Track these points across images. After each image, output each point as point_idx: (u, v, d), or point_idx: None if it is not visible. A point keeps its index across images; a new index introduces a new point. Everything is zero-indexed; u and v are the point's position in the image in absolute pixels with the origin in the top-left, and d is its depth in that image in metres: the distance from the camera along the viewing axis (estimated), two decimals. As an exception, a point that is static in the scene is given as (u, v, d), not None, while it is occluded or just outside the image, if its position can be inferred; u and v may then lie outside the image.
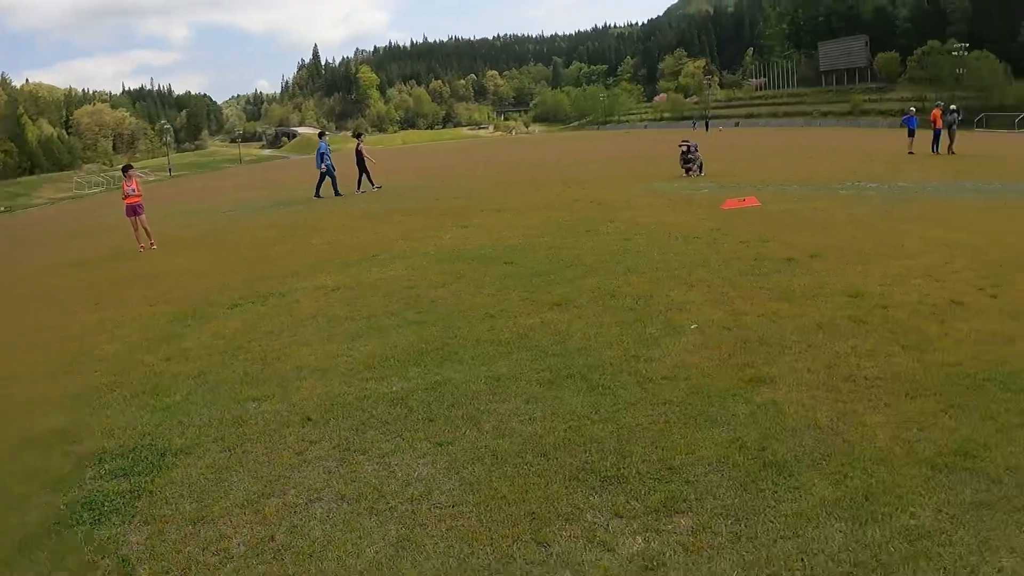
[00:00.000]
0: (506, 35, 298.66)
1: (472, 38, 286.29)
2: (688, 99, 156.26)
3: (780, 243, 10.88)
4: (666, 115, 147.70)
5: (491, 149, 74.49)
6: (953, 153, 30.40)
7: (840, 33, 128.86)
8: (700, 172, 22.48)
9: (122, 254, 18.18)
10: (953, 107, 32.59)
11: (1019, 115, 79.16)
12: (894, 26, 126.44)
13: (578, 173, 28.60)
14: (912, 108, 33.57)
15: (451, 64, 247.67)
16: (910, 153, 30.73)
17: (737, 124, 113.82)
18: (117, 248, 19.53)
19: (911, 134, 31.90)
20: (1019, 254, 9.31)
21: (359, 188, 27.89)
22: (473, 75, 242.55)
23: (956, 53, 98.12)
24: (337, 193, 26.70)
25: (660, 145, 44.95)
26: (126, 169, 20.71)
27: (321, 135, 30.29)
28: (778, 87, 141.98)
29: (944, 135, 31.08)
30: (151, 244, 18.78)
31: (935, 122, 31.38)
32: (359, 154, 28.20)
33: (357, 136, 31.09)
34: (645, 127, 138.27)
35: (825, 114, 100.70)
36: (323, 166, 26.86)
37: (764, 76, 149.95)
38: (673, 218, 14.31)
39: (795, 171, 23.26)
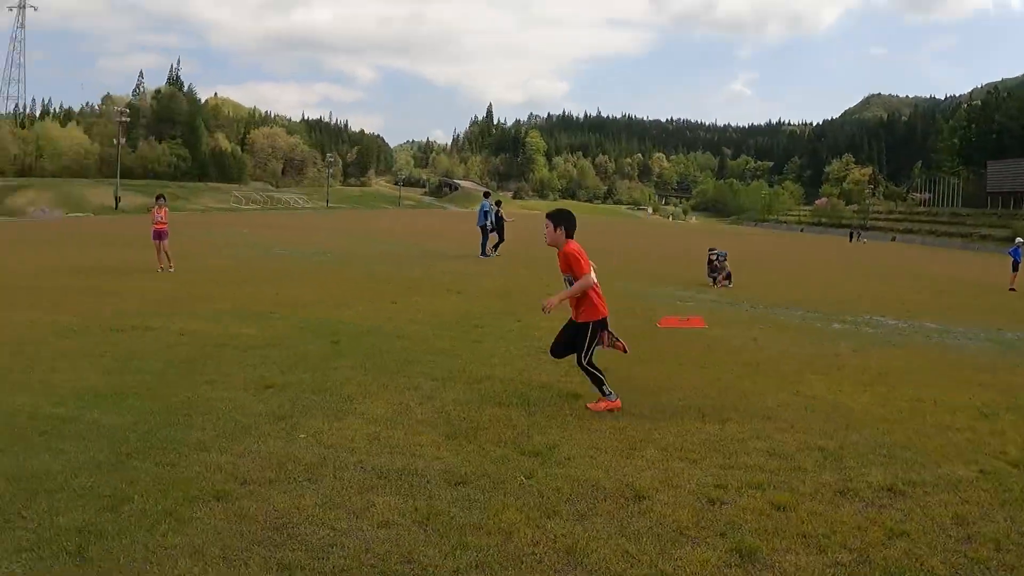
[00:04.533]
0: (678, 119, 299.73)
1: (645, 118, 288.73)
2: (849, 206, 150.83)
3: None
4: (823, 220, 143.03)
5: (640, 234, 72.89)
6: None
7: (1012, 153, 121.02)
8: (728, 283, 20.34)
9: (133, 269, 19.71)
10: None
11: None
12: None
13: (645, 264, 26.71)
14: (1020, 239, 29.80)
15: (619, 140, 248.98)
16: (1011, 290, 27.24)
17: (893, 239, 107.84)
18: (136, 263, 20.79)
19: (1015, 267, 28.27)
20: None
21: (495, 250, 28.13)
22: (639, 154, 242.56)
23: None
24: (483, 254, 27.18)
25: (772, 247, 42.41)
26: (159, 198, 21.57)
27: (486, 195, 31.11)
28: (942, 204, 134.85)
29: None
30: (170, 266, 19.70)
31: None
32: (499, 218, 28.81)
33: (497, 203, 31.18)
34: (802, 230, 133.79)
35: (984, 237, 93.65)
36: (486, 224, 27.67)
37: (929, 191, 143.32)
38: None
39: (835, 295, 20.80)
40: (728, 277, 20.75)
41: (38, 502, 4.75)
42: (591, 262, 7.24)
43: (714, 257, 21.02)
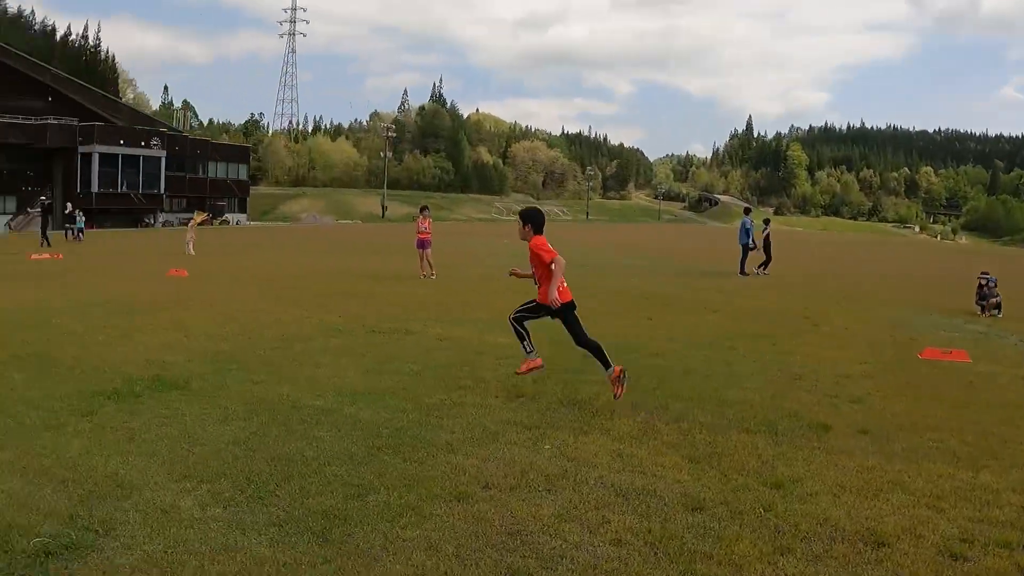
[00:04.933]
0: (947, 129, 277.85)
1: (911, 129, 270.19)
2: None
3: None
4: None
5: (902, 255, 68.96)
6: None
7: None
8: (998, 312, 18.78)
9: (398, 275, 21.21)
10: None
11: None
12: None
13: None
14: None
15: (884, 153, 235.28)
16: None
17: None
18: (400, 270, 22.36)
19: None
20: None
21: (765, 269, 27.53)
22: (906, 168, 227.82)
23: None
24: (742, 272, 26.67)
25: None
26: (423, 209, 22.87)
27: (747, 211, 30.88)
28: None
29: None
30: (432, 273, 20.79)
31: None
32: (766, 238, 28.23)
33: (765, 220, 30.62)
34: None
35: None
36: (748, 241, 27.19)
37: None
38: (834, 354, 11.79)
39: None
40: (998, 306, 19.07)
41: (291, 483, 5.21)
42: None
43: (984, 282, 19.32)
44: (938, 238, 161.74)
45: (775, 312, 16.82)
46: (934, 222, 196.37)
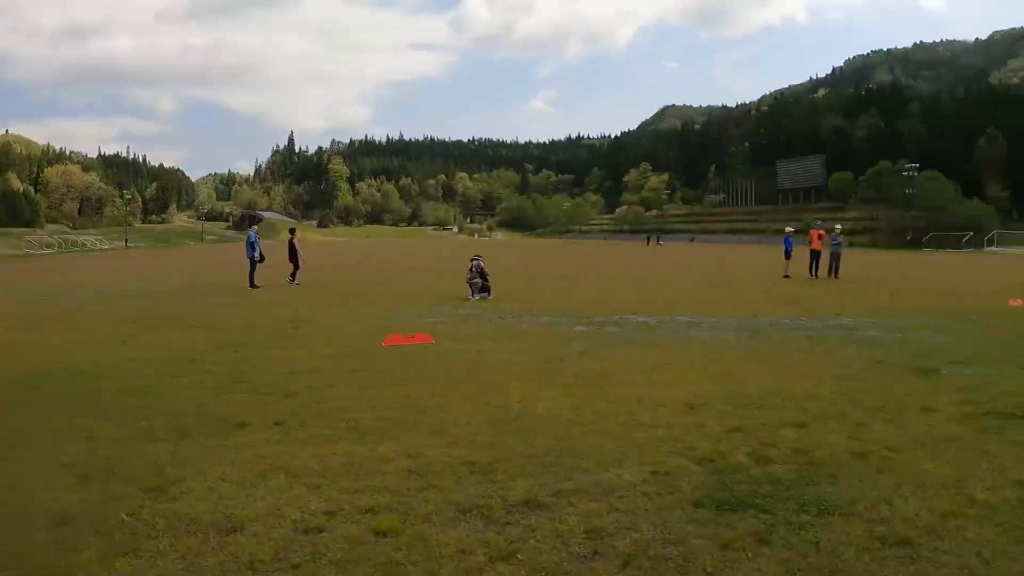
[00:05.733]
0: (481, 139, 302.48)
1: (447, 139, 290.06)
2: (649, 212, 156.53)
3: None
4: (626, 227, 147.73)
5: (426, 251, 72.55)
6: (837, 278, 28.26)
7: (799, 153, 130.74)
8: (487, 295, 19.74)
9: None
10: (838, 228, 30.48)
11: (966, 235, 78.63)
12: (851, 147, 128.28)
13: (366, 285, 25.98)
14: (790, 228, 31.66)
15: (423, 163, 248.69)
16: (785, 276, 28.43)
17: (692, 239, 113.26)
18: None
19: (787, 256, 29.51)
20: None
21: (293, 280, 26.94)
22: (443, 175, 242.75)
23: (907, 173, 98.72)
24: (252, 285, 25.36)
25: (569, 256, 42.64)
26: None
27: (252, 224, 31.56)
28: (737, 204, 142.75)
29: (825, 258, 28.97)
30: None
31: (812, 243, 29.40)
32: (292, 247, 27.96)
33: (291, 230, 30.57)
34: (605, 238, 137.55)
35: (777, 231, 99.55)
36: (253, 255, 26.23)
37: (724, 193, 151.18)
38: (297, 352, 11.58)
39: (603, 297, 20.70)
40: (485, 289, 20.09)
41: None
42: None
43: (473, 265, 20.25)
44: (475, 236, 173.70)
45: (262, 320, 16.36)
46: (472, 222, 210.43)
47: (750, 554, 4.34)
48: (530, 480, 5.55)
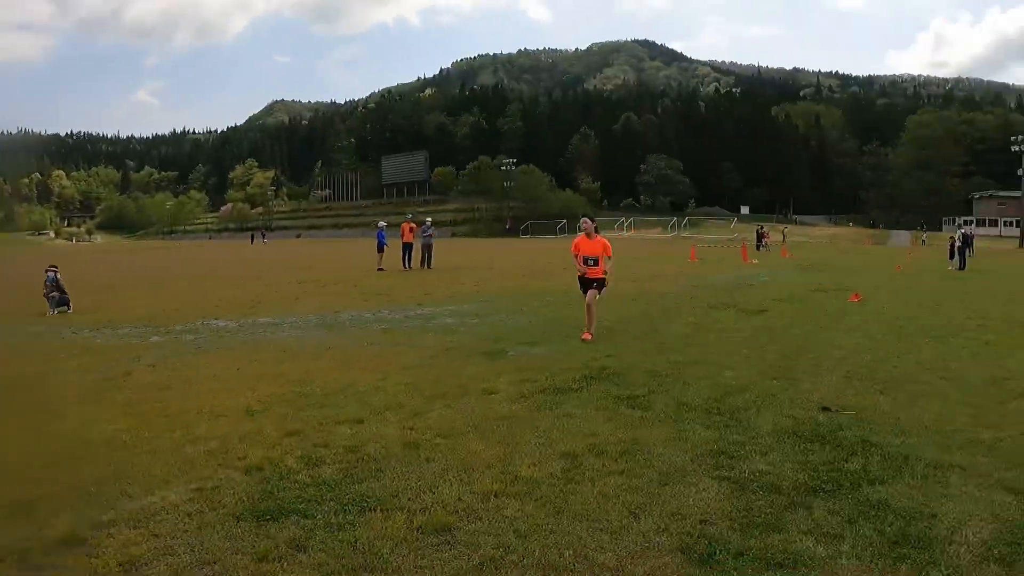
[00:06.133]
0: (79, 132, 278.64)
1: (43, 132, 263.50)
2: (255, 209, 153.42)
3: None
4: (232, 225, 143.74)
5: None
6: (430, 268, 29.29)
7: (404, 149, 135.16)
8: (68, 308, 17.98)
9: None
10: (428, 220, 31.64)
11: (561, 222, 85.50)
12: (453, 143, 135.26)
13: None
14: (382, 223, 32.42)
15: (16, 159, 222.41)
16: (379, 269, 28.75)
17: (298, 236, 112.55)
18: None
19: (380, 249, 30.06)
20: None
21: None
22: (38, 174, 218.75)
23: (505, 168, 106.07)
24: None
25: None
26: None
27: None
28: (343, 199, 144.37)
29: (417, 249, 29.91)
30: None
31: (404, 236, 30.16)
32: None
33: None
34: (210, 237, 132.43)
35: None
36: None
37: (330, 188, 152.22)
38: None
39: (186, 303, 19.41)
40: (64, 302, 18.23)
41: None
42: None
43: (48, 276, 18.28)
44: (73, 240, 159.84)
45: None
46: (70, 225, 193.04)
47: (286, 563, 4.17)
48: (72, 515, 4.92)
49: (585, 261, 11.94)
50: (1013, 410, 7.40)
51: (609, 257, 11.99)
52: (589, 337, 11.51)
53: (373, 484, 5.32)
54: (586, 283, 12.02)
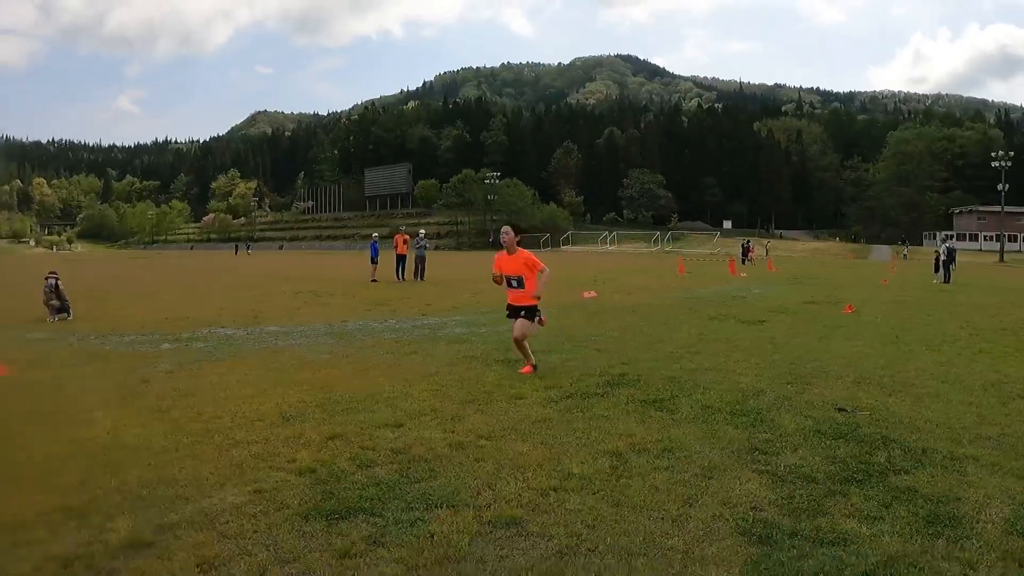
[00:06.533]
0: (61, 140, 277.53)
1: (25, 139, 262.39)
2: (237, 220, 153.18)
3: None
4: (214, 236, 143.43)
5: None
6: (423, 280, 29.66)
7: (387, 161, 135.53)
8: (67, 315, 18.01)
9: None
10: (422, 232, 32.01)
11: (544, 235, 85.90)
12: (436, 156, 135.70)
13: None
14: (375, 234, 32.82)
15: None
16: (373, 281, 28.96)
17: (281, 247, 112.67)
18: None
19: (373, 261, 30.36)
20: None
21: None
22: (19, 181, 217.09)
23: (488, 181, 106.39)
24: None
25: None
26: None
27: None
28: (325, 210, 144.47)
29: (410, 261, 30.40)
30: None
31: (397, 248, 30.54)
32: None
33: None
34: (192, 247, 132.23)
35: (365, 236, 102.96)
36: None
37: (313, 199, 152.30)
38: None
39: (191, 311, 19.49)
40: (64, 309, 18.28)
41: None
42: None
43: (48, 283, 18.33)
44: (54, 249, 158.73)
45: None
46: (50, 234, 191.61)
47: (367, 558, 4.29)
48: (129, 518, 4.97)
49: (508, 283, 9.93)
50: (1014, 409, 7.91)
51: (542, 271, 9.75)
52: (530, 371, 9.75)
53: (431, 483, 5.50)
54: (513, 311, 9.96)
